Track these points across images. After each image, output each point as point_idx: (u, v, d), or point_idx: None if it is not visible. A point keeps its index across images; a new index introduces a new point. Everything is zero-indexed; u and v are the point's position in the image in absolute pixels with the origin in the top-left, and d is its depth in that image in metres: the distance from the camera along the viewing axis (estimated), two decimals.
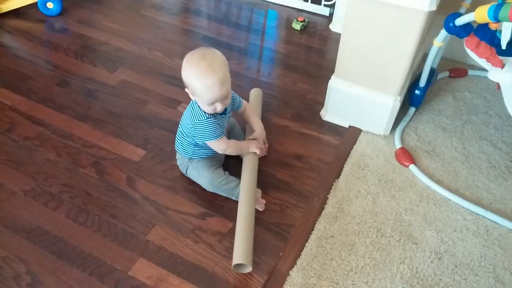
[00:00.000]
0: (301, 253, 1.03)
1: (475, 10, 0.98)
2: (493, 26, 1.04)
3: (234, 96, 1.13)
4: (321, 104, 1.41)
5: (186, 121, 1.09)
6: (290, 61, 1.63)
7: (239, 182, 1.10)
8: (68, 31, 1.73)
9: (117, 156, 1.24)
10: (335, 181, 1.19)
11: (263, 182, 1.17)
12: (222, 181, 1.10)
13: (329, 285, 0.97)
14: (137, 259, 1.01)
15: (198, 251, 1.03)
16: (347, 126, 1.36)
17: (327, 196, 1.16)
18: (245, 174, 1.10)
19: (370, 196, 1.16)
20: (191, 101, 1.08)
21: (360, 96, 1.27)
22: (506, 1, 0.94)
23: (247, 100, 1.33)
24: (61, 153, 1.24)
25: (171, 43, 1.68)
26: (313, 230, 1.08)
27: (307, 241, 1.05)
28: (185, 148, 1.13)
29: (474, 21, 1.02)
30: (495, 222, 1.11)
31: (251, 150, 1.14)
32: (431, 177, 1.21)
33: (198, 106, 1.05)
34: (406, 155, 1.25)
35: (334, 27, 1.79)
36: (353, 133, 1.34)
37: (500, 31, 1.02)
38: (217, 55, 1.00)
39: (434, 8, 1.04)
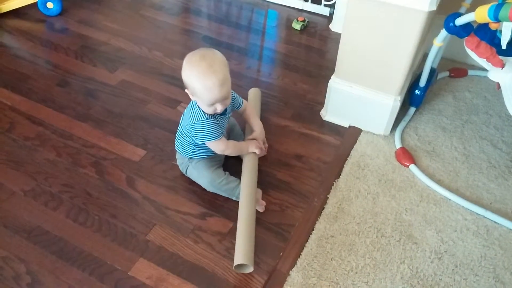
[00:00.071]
0: (301, 253, 1.03)
1: (475, 10, 0.98)
2: (493, 26, 1.04)
3: (234, 96, 1.13)
4: (321, 104, 1.41)
5: (186, 121, 1.09)
6: (290, 61, 1.63)
7: (240, 183, 1.10)
8: (68, 31, 1.73)
9: (117, 156, 1.24)
10: (335, 181, 1.19)
11: (263, 182, 1.17)
12: (222, 181, 1.10)
13: (329, 285, 0.97)
14: (137, 259, 1.01)
15: (198, 251, 1.03)
16: (347, 126, 1.36)
17: (327, 196, 1.15)
18: (245, 174, 1.10)
19: (370, 196, 1.16)
20: (191, 101, 1.08)
21: (360, 96, 1.27)
22: (506, 1, 0.94)
23: (246, 100, 1.33)
24: (61, 153, 1.24)
25: (171, 43, 1.68)
26: (313, 230, 1.08)
27: (307, 241, 1.05)
28: (185, 148, 1.13)
29: (474, 21, 1.02)
30: (495, 222, 1.11)
31: (251, 150, 1.14)
32: (431, 177, 1.21)
33: (198, 107, 1.05)
34: (406, 155, 1.25)
35: (334, 27, 1.79)
36: (353, 133, 1.34)
37: (500, 31, 1.02)
38: (217, 56, 1.00)
39: (434, 8, 1.04)
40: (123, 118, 1.36)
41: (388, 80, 1.21)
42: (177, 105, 1.41)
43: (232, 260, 1.00)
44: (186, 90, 1.04)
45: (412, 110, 1.40)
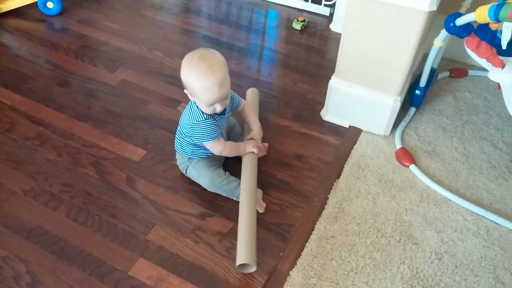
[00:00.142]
0: (301, 253, 1.03)
1: (476, 10, 0.98)
2: (493, 26, 1.04)
3: (233, 96, 1.13)
4: (321, 104, 1.41)
5: (185, 121, 1.09)
6: (291, 61, 1.63)
7: (240, 183, 1.10)
8: (68, 30, 1.73)
9: (117, 156, 1.24)
10: (335, 181, 1.19)
11: (263, 182, 1.17)
12: (222, 181, 1.10)
13: (329, 285, 0.97)
14: (137, 259, 1.01)
15: (198, 251, 1.03)
16: (348, 126, 1.36)
17: (327, 196, 1.15)
18: (245, 174, 1.10)
19: (370, 196, 1.16)
20: (190, 102, 1.08)
21: (361, 96, 1.27)
22: (507, 1, 0.94)
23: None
24: (61, 153, 1.24)
25: (172, 43, 1.68)
26: (313, 230, 1.08)
27: (307, 241, 1.05)
28: (184, 148, 1.13)
29: (475, 21, 1.02)
30: (495, 223, 1.11)
31: (248, 150, 1.14)
32: (431, 177, 1.21)
33: (197, 107, 1.05)
34: (406, 155, 1.25)
35: (334, 27, 1.79)
36: (354, 133, 1.34)
37: (501, 31, 1.02)
38: (216, 56, 1.00)
39: (434, 8, 1.04)
40: (123, 118, 1.36)
41: (388, 80, 1.21)
42: (177, 105, 1.41)
43: (232, 260, 1.00)
44: (185, 91, 1.04)
45: (412, 110, 1.39)
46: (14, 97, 1.41)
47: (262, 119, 1.36)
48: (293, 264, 1.01)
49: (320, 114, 1.40)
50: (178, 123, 1.16)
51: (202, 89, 0.98)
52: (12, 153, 1.23)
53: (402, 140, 1.32)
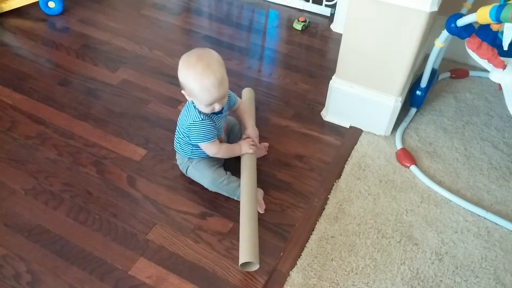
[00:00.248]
0: (302, 253, 1.03)
1: (477, 11, 0.98)
2: (494, 27, 1.04)
3: (229, 94, 1.13)
4: (322, 104, 1.41)
5: (182, 121, 1.09)
6: (291, 61, 1.63)
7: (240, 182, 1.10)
8: (69, 30, 1.73)
9: (118, 155, 1.24)
10: (335, 182, 1.19)
11: (264, 182, 1.17)
12: (223, 181, 1.10)
13: (329, 286, 0.97)
14: (137, 259, 1.01)
15: (199, 250, 1.03)
16: (348, 127, 1.36)
17: (328, 196, 1.15)
18: (244, 173, 1.10)
19: (370, 197, 1.16)
20: (187, 102, 1.08)
21: (361, 97, 1.27)
22: (508, 2, 0.94)
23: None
24: (62, 152, 1.25)
25: (172, 43, 1.68)
26: (313, 230, 1.08)
27: (307, 241, 1.05)
28: (183, 148, 1.13)
29: (476, 22, 1.02)
30: (496, 224, 1.11)
31: (244, 151, 1.13)
32: (432, 178, 1.21)
33: (194, 107, 1.05)
34: (407, 156, 1.25)
35: (335, 27, 1.79)
36: (354, 133, 1.34)
37: (502, 32, 1.01)
38: (214, 56, 1.00)
39: (435, 8, 1.04)
40: (124, 118, 1.36)
41: (389, 80, 1.21)
42: (178, 105, 1.41)
43: (233, 259, 1.00)
44: (182, 91, 1.04)
45: (413, 110, 1.39)
46: (15, 96, 1.41)
47: (262, 119, 1.37)
48: (293, 264, 1.01)
49: (321, 114, 1.40)
50: None
51: (201, 89, 0.97)
52: (13, 152, 1.24)
53: (403, 140, 1.31)
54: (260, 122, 1.34)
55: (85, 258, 1.00)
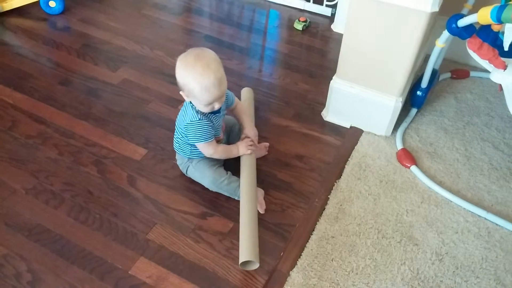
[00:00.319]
0: (302, 253, 1.03)
1: (478, 11, 0.98)
2: (495, 27, 1.04)
3: (226, 93, 1.12)
4: (323, 105, 1.41)
5: (180, 121, 1.09)
6: (292, 61, 1.63)
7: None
8: (70, 29, 1.73)
9: (119, 155, 1.24)
10: (336, 182, 1.19)
11: (264, 182, 1.17)
12: (224, 181, 1.10)
13: (329, 286, 0.97)
14: (137, 258, 1.01)
15: (199, 250, 1.03)
16: (349, 127, 1.36)
17: (328, 196, 1.15)
18: (244, 172, 1.10)
19: (371, 197, 1.16)
20: (185, 102, 1.08)
21: (362, 97, 1.27)
22: (509, 3, 0.94)
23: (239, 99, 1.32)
24: (62, 151, 1.25)
25: (173, 43, 1.68)
26: (313, 230, 1.08)
27: (307, 241, 1.05)
28: (182, 148, 1.13)
29: (477, 23, 1.02)
30: (496, 224, 1.11)
31: (242, 153, 1.13)
32: (432, 178, 1.20)
33: (191, 107, 1.05)
34: (407, 156, 1.25)
35: (336, 27, 1.79)
36: (355, 133, 1.33)
37: (503, 33, 1.01)
38: (211, 55, 0.99)
39: (436, 9, 1.03)
40: (124, 117, 1.36)
41: (389, 81, 1.21)
42: (178, 104, 1.41)
43: (233, 259, 1.00)
44: (180, 92, 1.03)
45: (414, 111, 1.39)
46: (16, 95, 1.42)
47: (263, 119, 1.37)
48: (294, 264, 1.01)
49: (321, 114, 1.40)
50: None
51: (202, 89, 0.97)
52: (14, 152, 1.24)
53: (403, 141, 1.31)
54: (260, 122, 1.34)
55: (85, 258, 1.00)
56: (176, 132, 1.13)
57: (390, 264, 1.02)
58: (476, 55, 1.07)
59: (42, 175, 1.18)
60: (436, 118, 1.40)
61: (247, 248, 0.95)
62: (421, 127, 1.37)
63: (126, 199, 1.13)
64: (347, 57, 1.23)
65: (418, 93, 1.35)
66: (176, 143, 1.14)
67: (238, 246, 0.98)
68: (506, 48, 1.01)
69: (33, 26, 1.73)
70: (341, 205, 1.13)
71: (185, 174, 1.17)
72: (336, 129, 1.35)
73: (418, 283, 0.99)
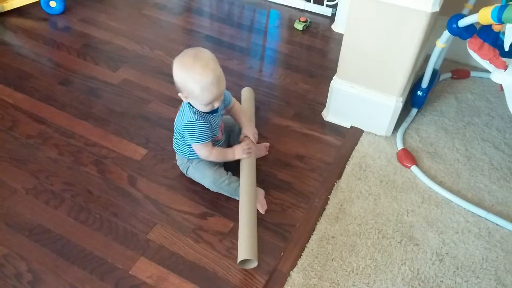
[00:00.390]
0: (302, 253, 1.03)
1: (479, 11, 0.98)
2: (496, 27, 1.04)
3: (224, 92, 1.12)
4: (323, 105, 1.41)
5: (178, 122, 1.09)
6: (292, 61, 1.63)
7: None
8: (70, 29, 1.73)
9: (119, 154, 1.24)
10: (336, 182, 1.19)
11: (264, 182, 1.17)
12: (224, 181, 1.10)
13: (330, 286, 0.97)
14: (138, 258, 1.01)
15: (199, 250, 1.03)
16: (349, 127, 1.36)
17: (328, 196, 1.15)
18: (244, 172, 1.10)
19: (371, 197, 1.16)
20: (183, 103, 1.07)
21: (362, 97, 1.27)
22: (510, 3, 0.94)
23: (239, 100, 1.32)
24: (63, 151, 1.25)
25: (173, 43, 1.68)
26: (314, 230, 1.08)
27: (308, 241, 1.05)
28: (181, 149, 1.13)
29: (477, 23, 1.01)
30: (497, 224, 1.10)
31: (238, 157, 1.12)
32: (433, 178, 1.20)
33: (189, 108, 1.05)
34: (408, 156, 1.25)
35: (336, 27, 1.79)
36: (355, 133, 1.33)
37: (504, 33, 1.01)
38: (208, 54, 1.00)
39: (437, 9, 1.03)
40: (124, 117, 1.36)
41: (390, 81, 1.21)
42: (178, 104, 1.40)
43: (233, 259, 1.00)
44: (179, 94, 1.03)
45: (414, 111, 1.39)
46: (16, 95, 1.42)
47: (263, 119, 1.37)
48: (294, 264, 1.00)
49: (322, 114, 1.40)
50: None
51: (202, 89, 0.97)
52: (14, 152, 1.24)
53: (404, 141, 1.31)
54: (260, 122, 1.34)
55: (85, 258, 1.00)
56: (175, 133, 1.13)
57: (391, 264, 1.02)
58: (477, 55, 1.07)
59: (43, 175, 1.18)
60: (437, 118, 1.40)
61: (245, 246, 0.96)
62: (422, 127, 1.37)
63: (126, 199, 1.13)
64: (348, 57, 1.23)
65: (419, 93, 1.35)
66: (176, 144, 1.14)
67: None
68: (506, 48, 1.01)
69: (34, 26, 1.73)
70: (341, 205, 1.13)
71: (185, 175, 1.17)
72: (336, 129, 1.35)
73: (419, 283, 0.98)
